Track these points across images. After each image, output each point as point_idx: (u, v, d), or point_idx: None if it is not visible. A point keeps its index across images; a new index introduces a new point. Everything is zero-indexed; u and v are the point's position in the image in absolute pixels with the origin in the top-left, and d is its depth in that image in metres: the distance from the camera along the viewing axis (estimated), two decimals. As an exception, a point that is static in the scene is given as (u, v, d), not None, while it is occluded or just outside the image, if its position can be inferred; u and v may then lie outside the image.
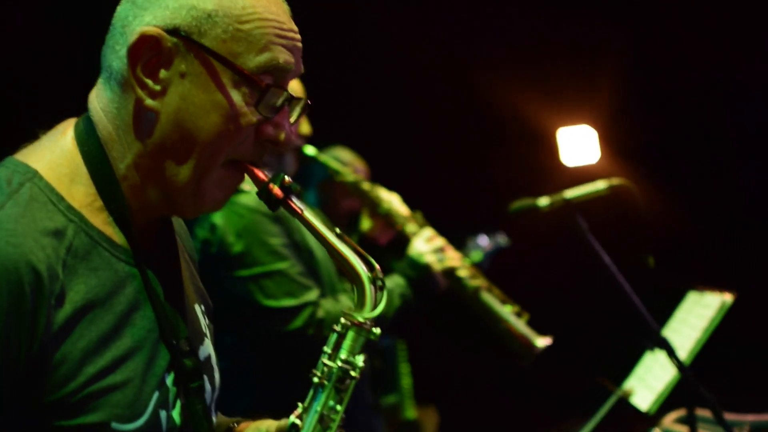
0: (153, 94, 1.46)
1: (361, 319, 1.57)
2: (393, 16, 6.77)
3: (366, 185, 3.30)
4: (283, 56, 1.49)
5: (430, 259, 3.13)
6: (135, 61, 1.45)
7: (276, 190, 1.54)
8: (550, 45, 7.03)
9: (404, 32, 6.80)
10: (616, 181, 3.11)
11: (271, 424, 1.70)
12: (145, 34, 1.44)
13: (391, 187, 6.92)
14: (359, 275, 1.57)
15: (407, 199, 6.45)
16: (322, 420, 1.55)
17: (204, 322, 1.68)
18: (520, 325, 3.16)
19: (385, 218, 3.28)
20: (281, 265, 2.92)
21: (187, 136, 1.46)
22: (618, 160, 7.81)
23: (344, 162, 4.93)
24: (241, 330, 3.00)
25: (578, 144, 7.88)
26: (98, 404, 1.40)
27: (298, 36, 1.55)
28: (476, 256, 5.05)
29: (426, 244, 3.17)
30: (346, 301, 3.02)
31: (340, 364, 1.55)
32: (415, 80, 7.08)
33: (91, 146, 1.49)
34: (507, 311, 3.19)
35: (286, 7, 1.55)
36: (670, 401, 3.22)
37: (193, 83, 1.46)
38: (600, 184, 3.11)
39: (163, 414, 1.48)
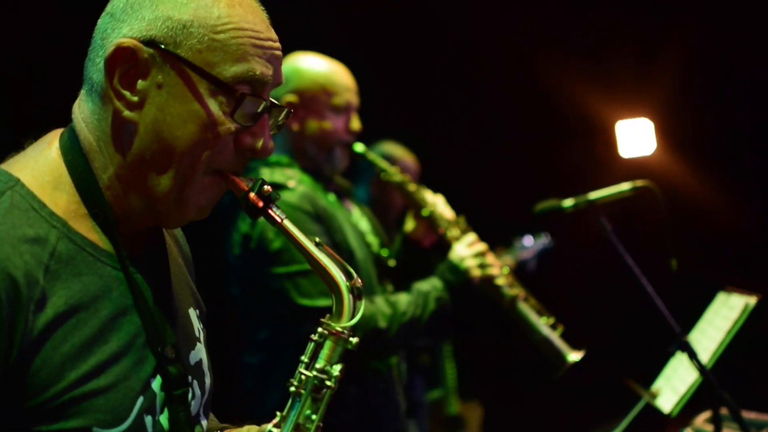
0: (131, 106, 1.47)
1: (338, 329, 1.59)
2: (454, 9, 6.76)
3: (411, 186, 3.29)
4: (260, 66, 1.50)
5: (469, 264, 3.11)
6: (112, 73, 1.46)
7: (256, 199, 1.55)
8: (610, 38, 6.96)
9: (467, 26, 6.80)
10: (639, 182, 3.09)
11: (252, 428, 1.71)
12: (121, 45, 1.45)
13: (451, 182, 6.95)
14: (338, 284, 1.59)
15: (467, 193, 6.46)
16: (298, 429, 1.56)
17: (197, 326, 1.69)
18: (554, 337, 3.14)
19: (429, 221, 3.26)
20: None
21: (165, 146, 1.47)
22: (675, 152, 7.71)
23: (395, 157, 4.95)
24: (275, 325, 3.02)
25: (636, 136, 7.82)
26: (80, 409, 1.40)
27: (277, 45, 1.55)
28: (507, 260, 5.06)
29: (467, 249, 3.14)
30: (381, 302, 3.02)
31: (315, 373, 1.56)
32: (475, 74, 7.07)
33: (74, 156, 1.50)
34: (542, 323, 3.16)
35: (264, 17, 1.55)
36: (699, 402, 3.19)
37: (170, 94, 1.46)
38: (624, 186, 3.09)
39: (148, 419, 1.48)
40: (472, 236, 3.21)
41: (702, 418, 3.34)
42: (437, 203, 3.30)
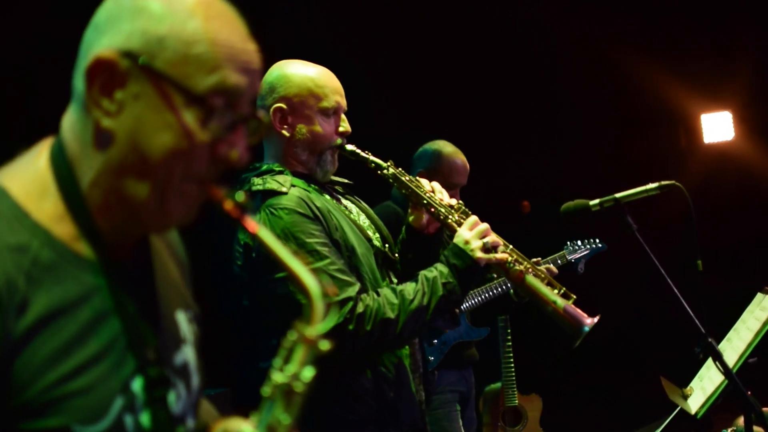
0: (109, 115, 1.50)
1: (310, 334, 1.60)
2: (537, 3, 6.74)
3: (406, 176, 3.24)
4: (234, 77, 1.52)
5: (473, 245, 3.08)
6: (91, 83, 1.49)
7: (232, 207, 1.58)
8: (691, 31, 6.86)
9: (547, 20, 6.77)
10: (666, 182, 3.05)
11: (234, 422, 1.75)
12: (99, 57, 1.48)
13: (533, 172, 6.93)
14: (310, 291, 1.61)
15: (550, 184, 6.43)
16: (271, 431, 1.57)
17: (186, 328, 1.72)
18: (567, 305, 3.08)
19: (427, 208, 3.23)
20: (320, 264, 2.91)
21: (142, 154, 1.50)
22: (755, 142, 7.56)
23: (446, 155, 4.95)
24: (286, 330, 3.05)
25: (717, 127, 7.70)
26: (60, 408, 1.44)
27: (255, 57, 1.57)
28: (557, 263, 5.03)
29: (469, 231, 3.11)
30: (387, 293, 3.00)
31: (286, 378, 1.58)
32: (556, 67, 7.04)
33: (60, 164, 1.54)
34: (553, 293, 3.12)
35: (242, 30, 1.57)
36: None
37: (146, 104, 1.49)
38: (650, 185, 3.05)
39: (128, 418, 1.51)
40: (473, 218, 3.17)
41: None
42: (435, 189, 3.26)
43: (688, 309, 2.91)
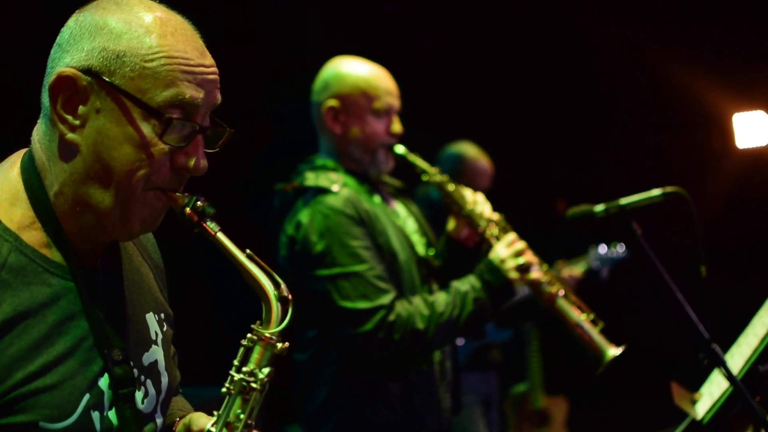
0: (73, 129, 1.56)
1: (267, 334, 1.64)
2: (572, 2, 6.69)
3: (450, 186, 3.24)
4: (189, 90, 1.57)
5: (508, 264, 3.06)
6: (54, 99, 1.56)
7: (192, 214, 1.63)
8: (725, 30, 6.75)
9: (578, 18, 6.71)
10: (670, 188, 2.98)
11: (199, 418, 1.78)
12: (61, 74, 1.55)
13: (563, 171, 6.88)
14: (266, 293, 1.65)
15: (582, 183, 6.38)
16: (229, 427, 1.63)
17: (156, 329, 1.76)
18: (594, 333, 3.06)
19: (468, 220, 3.22)
20: (359, 268, 2.95)
21: (105, 165, 1.56)
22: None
23: (469, 158, 4.93)
24: (320, 325, 3.06)
25: (752, 128, 7.54)
26: (27, 405, 1.50)
27: (211, 69, 1.62)
28: (580, 268, 4.96)
29: (506, 249, 3.09)
30: (419, 303, 3.00)
31: (243, 376, 1.63)
32: (590, 68, 6.97)
33: (29, 175, 1.60)
34: (582, 318, 3.08)
35: (198, 44, 1.62)
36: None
37: (107, 118, 1.55)
38: (654, 191, 3.00)
39: (95, 415, 1.57)
40: (511, 235, 3.15)
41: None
42: (477, 202, 3.24)
43: (692, 315, 2.85)
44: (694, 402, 3.22)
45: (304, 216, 3.02)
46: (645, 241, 2.95)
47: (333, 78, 3.18)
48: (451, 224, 3.30)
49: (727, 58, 6.88)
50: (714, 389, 3.13)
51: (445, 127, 5.88)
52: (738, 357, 3.09)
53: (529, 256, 3.11)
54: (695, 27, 6.81)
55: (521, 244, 3.12)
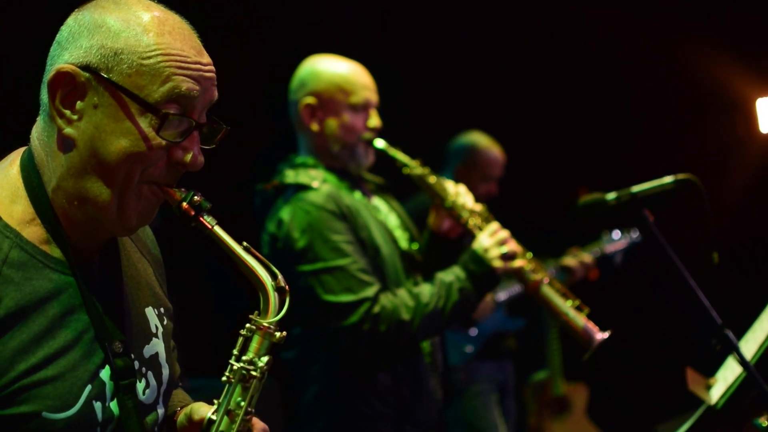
0: (71, 123, 1.58)
1: (265, 324, 1.67)
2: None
3: (432, 178, 3.22)
4: (186, 87, 1.58)
5: (492, 253, 3.05)
6: (53, 94, 1.58)
7: (188, 208, 1.65)
8: (748, 12, 6.68)
9: (601, 4, 6.66)
10: (681, 175, 2.96)
11: (200, 407, 1.79)
12: (60, 70, 1.57)
13: (587, 158, 6.84)
14: (264, 284, 1.68)
15: (605, 170, 6.34)
16: (230, 414, 1.66)
17: (156, 323, 1.79)
18: (579, 318, 3.04)
19: (450, 212, 3.20)
20: (342, 262, 2.94)
21: (102, 160, 1.58)
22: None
23: (481, 147, 4.92)
24: (306, 323, 3.05)
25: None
26: (29, 396, 1.53)
27: (207, 67, 1.64)
28: (591, 254, 4.92)
29: (489, 238, 3.07)
30: (404, 294, 3.00)
31: (242, 364, 1.66)
32: (609, 51, 6.92)
33: (29, 171, 1.63)
34: (567, 305, 3.06)
35: (195, 43, 1.64)
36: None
37: (104, 113, 1.57)
38: (666, 179, 2.97)
39: (97, 405, 1.60)
40: (494, 225, 3.13)
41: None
42: (459, 193, 3.22)
43: (705, 301, 2.83)
44: (709, 387, 3.20)
45: (285, 213, 3.02)
46: (657, 228, 2.93)
47: (309, 75, 3.19)
48: (432, 217, 3.28)
49: (750, 41, 6.79)
50: (728, 374, 3.11)
51: (457, 115, 5.86)
52: (752, 342, 3.07)
53: (513, 245, 3.10)
54: (717, 9, 6.73)
55: (504, 233, 3.11)
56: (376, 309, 2.91)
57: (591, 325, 3.04)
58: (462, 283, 3.02)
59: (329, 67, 3.20)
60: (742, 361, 2.77)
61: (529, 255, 3.13)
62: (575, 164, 6.86)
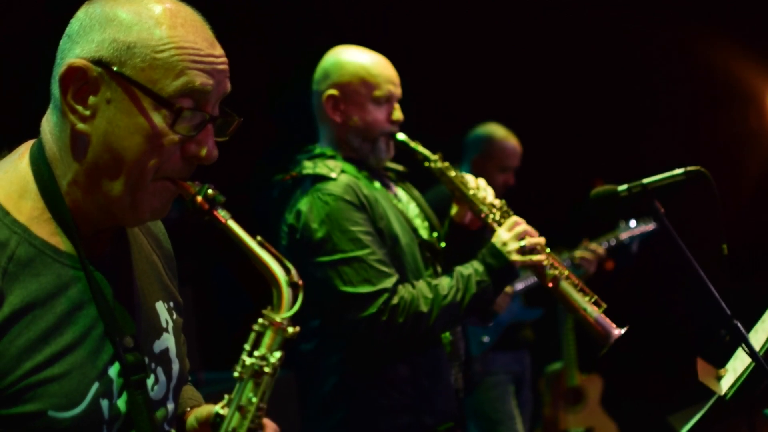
0: (83, 119, 1.56)
1: (278, 319, 1.63)
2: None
3: (452, 172, 3.20)
4: (200, 78, 1.57)
5: (510, 247, 3.04)
6: (65, 90, 1.56)
7: (202, 202, 1.63)
8: (762, 4, 6.63)
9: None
10: (692, 167, 2.96)
11: (210, 407, 1.77)
12: (72, 65, 1.55)
13: (597, 151, 6.83)
14: (277, 279, 1.64)
15: (618, 163, 6.33)
16: (241, 410, 1.63)
17: (166, 317, 1.77)
18: (596, 314, 3.02)
19: (470, 205, 3.18)
20: (360, 253, 2.93)
21: (115, 155, 1.56)
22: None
23: (498, 138, 4.91)
24: (324, 314, 3.05)
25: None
26: (35, 395, 1.51)
27: (221, 59, 1.62)
28: (603, 245, 4.91)
29: (508, 232, 3.07)
30: (422, 286, 2.99)
31: (255, 360, 1.62)
32: (623, 44, 6.90)
33: (40, 165, 1.61)
34: (584, 300, 3.04)
35: (208, 35, 1.62)
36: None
37: (118, 108, 1.55)
38: (677, 170, 2.97)
39: (104, 403, 1.57)
40: (513, 219, 3.12)
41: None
42: (479, 187, 3.20)
43: (714, 293, 2.83)
44: (719, 378, 3.20)
45: (303, 204, 3.01)
46: (667, 219, 2.94)
47: (333, 67, 3.17)
48: (454, 209, 3.27)
49: (763, 34, 6.75)
50: (738, 365, 3.11)
51: (474, 106, 5.86)
52: (762, 333, 3.06)
53: (532, 239, 3.08)
54: (732, 3, 6.70)
55: (523, 227, 3.09)
56: (395, 300, 2.91)
57: (608, 322, 3.01)
58: (480, 277, 3.01)
59: (353, 59, 3.18)
60: (751, 351, 2.77)
61: (547, 249, 3.11)
62: (591, 156, 6.85)
